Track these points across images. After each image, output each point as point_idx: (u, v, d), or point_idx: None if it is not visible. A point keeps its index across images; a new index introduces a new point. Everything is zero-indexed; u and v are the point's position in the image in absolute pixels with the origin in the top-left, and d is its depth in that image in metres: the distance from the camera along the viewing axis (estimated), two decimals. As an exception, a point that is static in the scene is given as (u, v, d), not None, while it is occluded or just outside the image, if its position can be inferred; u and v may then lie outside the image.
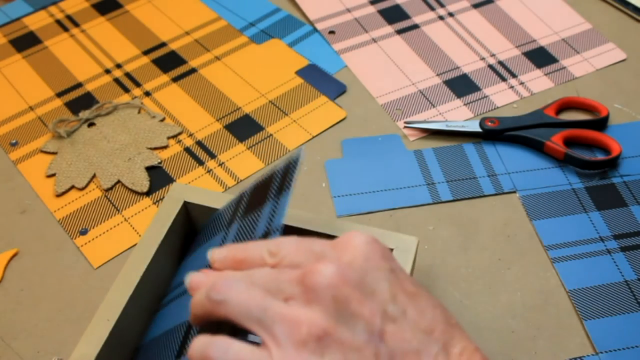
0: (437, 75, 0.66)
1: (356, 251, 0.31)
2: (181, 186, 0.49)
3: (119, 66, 0.68)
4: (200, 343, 0.31)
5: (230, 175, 0.58)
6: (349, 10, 0.73)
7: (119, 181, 0.58)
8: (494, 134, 0.59)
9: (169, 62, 0.68)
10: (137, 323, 0.46)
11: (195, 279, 0.34)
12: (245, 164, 0.59)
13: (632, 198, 0.54)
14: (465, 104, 0.63)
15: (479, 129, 0.59)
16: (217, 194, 0.48)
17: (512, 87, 0.64)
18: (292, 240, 0.33)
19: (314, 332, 0.29)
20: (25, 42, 0.71)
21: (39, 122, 0.63)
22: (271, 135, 0.61)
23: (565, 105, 0.62)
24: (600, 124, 0.60)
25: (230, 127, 0.62)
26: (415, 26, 0.71)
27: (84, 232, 0.54)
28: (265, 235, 0.37)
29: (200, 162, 0.59)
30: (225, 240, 0.43)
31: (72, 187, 0.57)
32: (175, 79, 0.67)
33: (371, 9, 0.73)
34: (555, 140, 0.57)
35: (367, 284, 0.30)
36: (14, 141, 0.62)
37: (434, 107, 0.63)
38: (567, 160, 0.57)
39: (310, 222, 0.46)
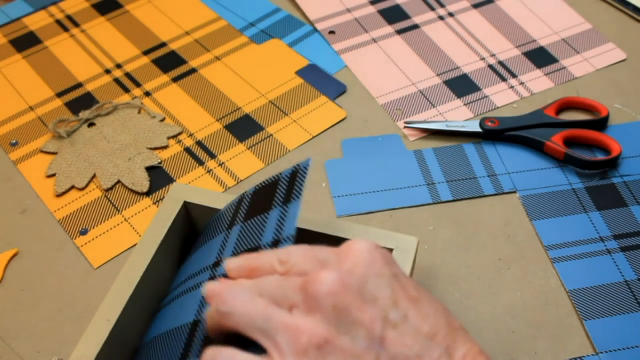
0: (437, 75, 0.66)
1: (357, 258, 0.31)
2: (181, 186, 0.49)
3: (119, 66, 0.68)
4: (208, 354, 0.32)
5: (230, 175, 0.58)
6: (349, 10, 0.73)
7: (119, 181, 0.58)
8: (494, 134, 0.59)
9: (169, 62, 0.68)
10: (137, 323, 0.46)
11: (209, 288, 0.34)
12: (245, 164, 0.59)
13: (632, 198, 0.54)
14: (465, 104, 0.63)
15: (479, 129, 0.59)
16: (217, 194, 0.48)
17: (512, 87, 0.64)
18: (300, 249, 0.34)
19: (314, 340, 0.29)
20: (25, 42, 0.71)
21: (39, 122, 0.63)
22: (271, 135, 0.61)
23: (565, 105, 0.62)
24: (600, 124, 0.60)
25: (230, 127, 0.62)
26: (415, 26, 0.71)
27: (84, 232, 0.54)
28: (275, 243, 0.37)
29: (200, 162, 0.59)
30: (227, 243, 0.43)
31: (72, 187, 0.57)
32: (175, 79, 0.67)
33: (371, 9, 0.73)
34: (555, 140, 0.57)
35: (368, 291, 0.30)
36: (14, 141, 0.62)
37: (434, 107, 0.63)
38: (567, 160, 0.57)
39: (310, 222, 0.46)
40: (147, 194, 0.57)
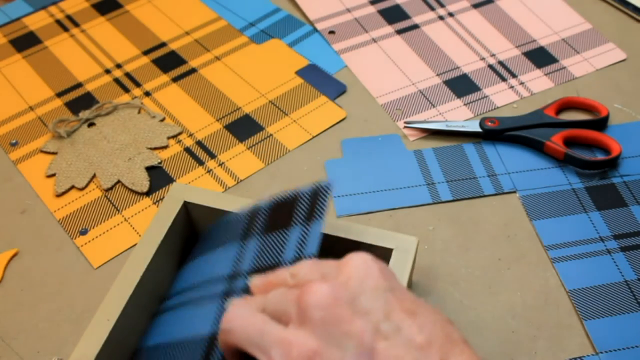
0: (437, 75, 0.66)
1: (353, 271, 0.32)
2: (181, 186, 0.49)
3: (119, 66, 0.68)
4: None
5: (230, 175, 0.58)
6: (349, 10, 0.73)
7: (119, 181, 0.58)
8: (494, 134, 0.59)
9: (169, 62, 0.68)
10: (137, 323, 0.46)
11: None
12: (245, 164, 0.59)
13: (632, 198, 0.54)
14: (465, 104, 0.63)
15: (479, 129, 0.59)
16: (217, 194, 0.48)
17: (512, 87, 0.64)
18: (309, 262, 0.35)
19: (303, 353, 0.29)
20: (25, 42, 0.71)
21: (39, 122, 0.63)
22: (271, 135, 0.61)
23: (565, 105, 0.62)
24: (600, 124, 0.60)
25: (230, 127, 0.62)
26: (415, 26, 0.71)
27: (84, 232, 0.54)
28: (296, 261, 0.38)
29: (200, 162, 0.59)
30: (243, 255, 0.43)
31: (72, 187, 0.57)
32: (175, 79, 0.67)
33: (371, 9, 0.73)
34: (555, 140, 0.57)
35: (360, 304, 0.30)
36: (14, 141, 0.62)
37: (434, 107, 0.63)
38: (567, 160, 0.57)
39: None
40: (147, 194, 0.57)
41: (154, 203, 0.56)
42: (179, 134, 0.61)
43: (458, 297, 0.49)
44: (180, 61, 0.68)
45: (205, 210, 0.48)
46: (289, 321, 0.31)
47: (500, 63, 0.66)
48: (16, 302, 0.50)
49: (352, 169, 0.58)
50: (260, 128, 0.62)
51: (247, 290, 0.40)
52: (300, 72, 0.66)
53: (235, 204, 0.47)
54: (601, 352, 0.45)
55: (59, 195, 0.57)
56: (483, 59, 0.67)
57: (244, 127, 0.62)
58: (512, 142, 0.59)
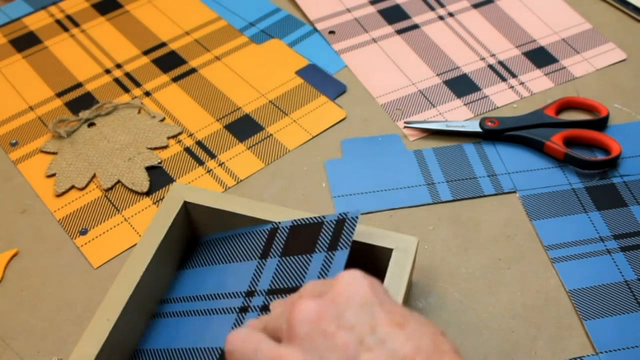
0: (437, 75, 0.66)
1: (342, 288, 0.33)
2: (181, 186, 0.49)
3: (119, 66, 0.68)
4: None
5: (230, 175, 0.58)
6: (349, 10, 0.73)
7: (119, 181, 0.58)
8: (494, 134, 0.59)
9: (169, 62, 0.68)
10: (137, 323, 0.46)
11: None
12: (245, 164, 0.59)
13: (632, 198, 0.54)
14: (465, 104, 0.63)
15: (479, 129, 0.59)
16: (217, 194, 0.48)
17: (512, 87, 0.64)
18: (313, 281, 0.36)
19: None
20: (25, 42, 0.71)
21: (39, 122, 0.63)
22: (271, 135, 0.61)
23: (565, 105, 0.62)
24: (600, 124, 0.60)
25: (230, 127, 0.62)
26: (415, 26, 0.71)
27: (84, 232, 0.54)
28: None
29: (200, 162, 0.59)
30: (262, 274, 0.44)
31: (72, 187, 0.57)
32: (175, 79, 0.67)
33: (371, 9, 0.73)
34: (555, 140, 0.57)
35: (346, 318, 0.31)
36: (14, 141, 0.62)
37: (434, 107, 0.63)
38: (567, 160, 0.57)
39: (310, 222, 0.46)
40: (147, 194, 0.57)
41: (154, 203, 0.56)
42: (179, 134, 0.61)
43: (458, 297, 0.49)
44: (180, 61, 0.68)
45: (205, 210, 0.48)
46: (282, 337, 0.32)
47: (500, 63, 0.66)
48: (16, 302, 0.50)
49: (352, 169, 0.58)
50: (260, 128, 0.62)
51: (264, 309, 0.41)
52: (300, 72, 0.66)
53: (235, 204, 0.47)
54: (601, 352, 0.45)
55: (59, 195, 0.57)
56: (483, 59, 0.67)
57: (244, 127, 0.62)
58: (512, 142, 0.59)
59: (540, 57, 0.67)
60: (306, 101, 0.64)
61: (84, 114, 0.63)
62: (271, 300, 0.42)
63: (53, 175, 0.58)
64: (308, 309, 0.31)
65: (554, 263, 0.50)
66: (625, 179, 0.56)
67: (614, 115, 0.61)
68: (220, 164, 0.59)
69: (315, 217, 0.44)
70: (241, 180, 0.58)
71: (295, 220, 0.45)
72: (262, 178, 0.58)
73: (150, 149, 0.60)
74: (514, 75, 0.65)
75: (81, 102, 0.65)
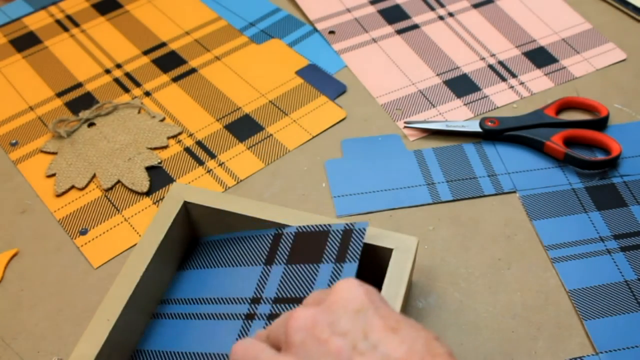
0: (437, 75, 0.66)
1: (337, 296, 0.33)
2: (181, 186, 0.49)
3: (119, 66, 0.68)
4: None
5: (230, 175, 0.58)
6: (349, 10, 0.73)
7: (119, 181, 0.58)
8: (494, 134, 0.59)
9: (169, 62, 0.68)
10: (137, 323, 0.46)
11: None
12: (245, 164, 0.59)
13: (632, 198, 0.54)
14: (465, 104, 0.63)
15: (479, 129, 0.59)
16: (217, 194, 0.48)
17: (512, 87, 0.64)
18: (317, 290, 0.37)
19: None
20: (25, 42, 0.71)
21: (39, 122, 0.63)
22: (271, 135, 0.61)
23: (565, 105, 0.62)
24: (600, 124, 0.60)
25: (230, 127, 0.62)
26: (415, 26, 0.71)
27: (84, 232, 0.54)
28: None
29: (200, 162, 0.59)
30: (267, 280, 0.45)
31: (72, 187, 0.57)
32: (175, 79, 0.67)
33: (371, 9, 0.73)
34: (555, 140, 0.57)
35: (340, 325, 0.32)
36: (14, 141, 0.62)
37: (434, 107, 0.63)
38: (567, 160, 0.57)
39: (310, 222, 0.46)
40: (147, 194, 0.57)
41: (154, 203, 0.56)
42: (179, 134, 0.61)
43: (458, 297, 0.49)
44: (180, 61, 0.68)
45: (205, 210, 0.48)
46: (281, 346, 0.33)
47: (500, 63, 0.66)
48: (16, 302, 0.50)
49: (352, 169, 0.58)
50: (260, 128, 0.62)
51: (271, 317, 0.41)
52: (300, 72, 0.66)
53: (235, 204, 0.47)
54: (601, 352, 0.45)
55: (59, 195, 0.57)
56: (483, 59, 0.67)
57: (244, 127, 0.62)
58: (512, 142, 0.59)
59: (540, 57, 0.67)
60: (306, 101, 0.64)
61: (84, 114, 0.63)
62: (278, 308, 0.42)
63: (53, 175, 0.58)
64: (303, 317, 0.32)
65: (554, 263, 0.50)
66: (625, 179, 0.56)
67: (614, 115, 0.61)
68: (220, 164, 0.59)
69: (320, 225, 0.44)
70: (241, 180, 0.58)
71: (299, 227, 0.45)
72: (262, 178, 0.58)
73: (150, 149, 0.60)
74: (514, 75, 0.65)
75: (81, 102, 0.65)
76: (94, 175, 0.58)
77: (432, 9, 0.73)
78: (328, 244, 0.43)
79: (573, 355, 0.46)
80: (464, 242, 0.52)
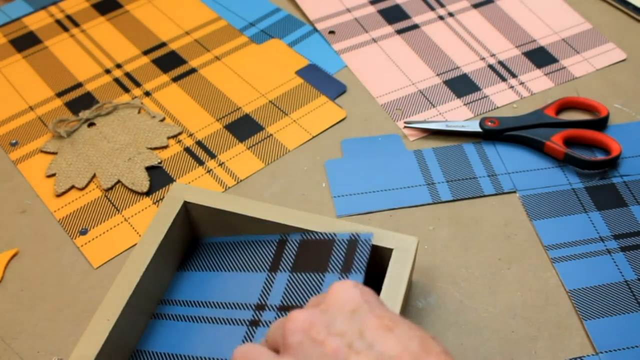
0: (437, 75, 0.66)
1: (334, 298, 0.34)
2: (181, 186, 0.49)
3: (119, 66, 0.68)
4: None
5: (230, 175, 0.58)
6: (349, 10, 0.73)
7: (119, 181, 0.58)
8: (494, 134, 0.59)
9: (169, 62, 0.68)
10: (137, 323, 0.46)
11: None
12: (245, 164, 0.59)
13: (632, 198, 0.54)
14: (465, 104, 0.63)
15: (479, 129, 0.59)
16: (217, 194, 0.48)
17: (512, 87, 0.64)
18: (319, 295, 0.37)
19: None
20: (25, 42, 0.71)
21: (39, 122, 0.63)
22: (271, 135, 0.61)
23: (565, 105, 0.62)
24: (600, 124, 0.60)
25: (230, 127, 0.62)
26: (415, 26, 0.71)
27: (84, 232, 0.54)
28: None
29: (200, 162, 0.59)
30: (272, 288, 0.45)
31: (72, 187, 0.57)
32: (175, 79, 0.67)
33: (371, 9, 0.73)
34: (555, 140, 0.57)
35: (336, 326, 0.32)
36: (14, 141, 0.62)
37: (434, 107, 0.63)
38: (567, 160, 0.57)
39: (310, 222, 0.46)
40: (147, 194, 0.57)
41: (154, 203, 0.56)
42: (179, 134, 0.61)
43: (458, 297, 0.49)
44: (180, 61, 0.68)
45: (205, 210, 0.48)
46: (279, 349, 0.34)
47: (500, 63, 0.66)
48: (16, 302, 0.50)
49: (352, 169, 0.58)
50: (260, 128, 0.62)
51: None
52: (300, 72, 0.66)
53: (235, 204, 0.47)
54: (601, 352, 0.45)
55: (59, 195, 0.57)
56: (483, 59, 0.67)
57: (244, 127, 0.62)
58: (512, 142, 0.59)
59: (540, 57, 0.67)
60: (306, 101, 0.64)
61: (84, 114, 0.63)
62: (283, 315, 0.43)
63: (53, 175, 0.58)
64: (300, 319, 0.33)
65: (554, 263, 0.50)
66: (625, 179, 0.56)
67: (614, 115, 0.61)
68: (220, 164, 0.59)
69: (326, 234, 0.44)
70: (241, 180, 0.58)
71: (304, 234, 0.45)
72: (262, 178, 0.58)
73: (150, 149, 0.60)
74: (514, 75, 0.65)
75: (81, 102, 0.65)
76: (94, 175, 0.58)
77: (432, 9, 0.73)
78: (333, 253, 0.43)
79: (573, 355, 0.46)
80: (464, 242, 0.52)
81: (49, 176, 0.58)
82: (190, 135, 0.61)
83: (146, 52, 0.69)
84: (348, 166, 0.58)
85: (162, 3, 0.75)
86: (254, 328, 0.44)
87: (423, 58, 0.67)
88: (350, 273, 0.41)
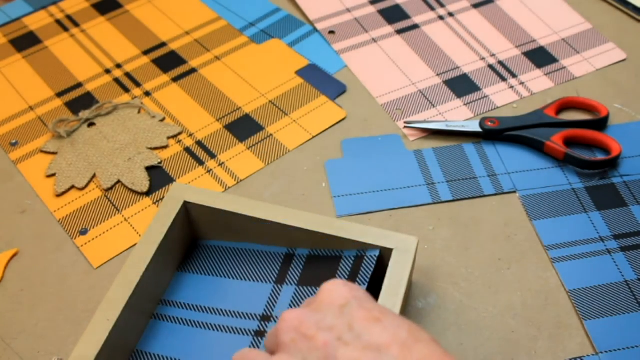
0: (437, 75, 0.66)
1: (324, 296, 0.35)
2: (181, 186, 0.49)
3: (119, 66, 0.68)
4: None
5: (230, 175, 0.58)
6: (349, 10, 0.73)
7: (119, 181, 0.58)
8: (494, 134, 0.59)
9: (169, 62, 0.68)
10: (136, 323, 0.46)
11: None
12: (245, 164, 0.59)
13: (632, 198, 0.54)
14: (465, 104, 0.63)
15: (479, 129, 0.59)
16: (217, 194, 0.48)
17: (512, 87, 0.64)
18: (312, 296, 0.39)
19: None
20: (25, 42, 0.71)
21: (39, 122, 0.63)
22: (271, 135, 0.61)
23: (565, 105, 0.62)
24: (600, 124, 0.60)
25: (230, 127, 0.62)
26: (415, 26, 0.71)
27: (84, 232, 0.54)
28: None
29: (200, 162, 0.59)
30: (277, 299, 0.46)
31: (72, 187, 0.57)
32: (175, 79, 0.67)
33: (371, 9, 0.73)
34: (555, 140, 0.57)
35: (326, 321, 0.34)
36: (14, 141, 0.62)
37: (434, 107, 0.63)
38: (567, 160, 0.57)
39: (310, 222, 0.46)
40: (147, 194, 0.57)
41: (154, 203, 0.56)
42: (179, 134, 0.61)
43: (458, 297, 0.49)
44: (180, 61, 0.68)
45: (205, 210, 0.48)
46: (275, 350, 0.35)
47: (500, 63, 0.66)
48: (16, 302, 0.50)
49: (352, 169, 0.58)
50: (260, 128, 0.62)
51: None
52: (300, 72, 0.66)
53: (235, 204, 0.47)
54: (601, 352, 0.45)
55: (59, 195, 0.57)
56: (483, 59, 0.67)
57: (244, 127, 0.62)
58: (512, 142, 0.59)
59: (540, 57, 0.67)
60: (306, 101, 0.64)
61: (84, 114, 0.63)
62: None
63: (53, 175, 0.58)
64: (291, 318, 0.34)
65: (554, 263, 0.50)
66: (625, 179, 0.56)
67: (614, 115, 0.61)
68: (220, 164, 0.59)
69: (333, 250, 0.45)
70: (241, 180, 0.58)
71: (312, 250, 0.46)
72: (262, 178, 0.58)
73: (150, 149, 0.60)
74: (514, 75, 0.65)
75: (81, 102, 0.65)
76: (94, 175, 0.58)
77: (432, 9, 0.73)
78: (340, 269, 0.44)
79: (573, 355, 0.46)
80: (464, 242, 0.52)
81: (49, 176, 0.58)
82: (190, 135, 0.61)
83: (146, 52, 0.69)
84: (348, 166, 0.58)
85: (162, 3, 0.75)
86: (259, 338, 0.44)
87: (423, 58, 0.67)
88: (354, 283, 0.42)
